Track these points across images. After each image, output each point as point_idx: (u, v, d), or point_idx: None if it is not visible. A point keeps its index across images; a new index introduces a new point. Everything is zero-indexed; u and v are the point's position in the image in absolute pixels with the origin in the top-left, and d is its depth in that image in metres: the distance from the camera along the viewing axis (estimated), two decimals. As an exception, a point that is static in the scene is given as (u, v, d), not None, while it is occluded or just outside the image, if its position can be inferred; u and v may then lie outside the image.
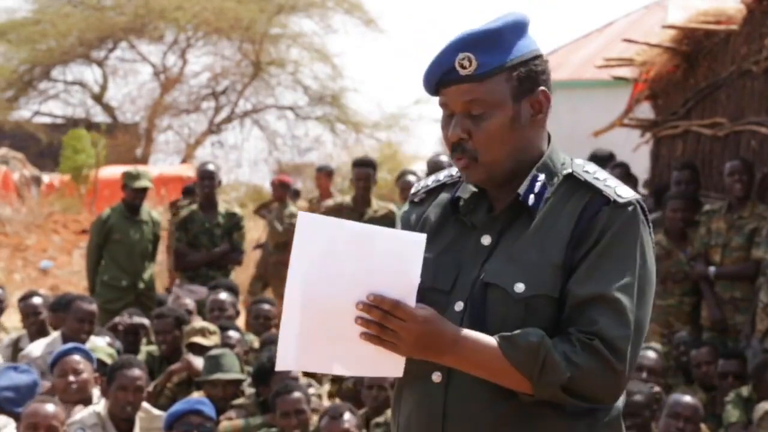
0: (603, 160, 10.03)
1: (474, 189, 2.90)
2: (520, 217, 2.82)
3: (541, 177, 2.83)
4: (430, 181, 3.03)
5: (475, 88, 2.80)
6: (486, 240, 2.84)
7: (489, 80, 2.80)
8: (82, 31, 30.67)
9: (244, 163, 34.56)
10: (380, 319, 2.64)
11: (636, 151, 11.57)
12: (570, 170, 2.85)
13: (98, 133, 25.76)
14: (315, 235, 2.65)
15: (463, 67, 2.79)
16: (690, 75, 10.37)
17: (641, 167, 11.63)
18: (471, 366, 2.72)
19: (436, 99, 2.88)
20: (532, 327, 2.73)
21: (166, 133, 33.12)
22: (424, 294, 2.74)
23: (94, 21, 30.83)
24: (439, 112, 2.91)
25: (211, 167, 10.54)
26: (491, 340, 2.71)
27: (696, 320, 8.48)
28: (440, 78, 2.82)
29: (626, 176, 9.61)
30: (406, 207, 3.04)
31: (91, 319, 7.92)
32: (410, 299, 2.65)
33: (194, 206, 10.47)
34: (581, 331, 2.70)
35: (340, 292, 2.64)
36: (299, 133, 32.56)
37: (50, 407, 5.83)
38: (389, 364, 2.70)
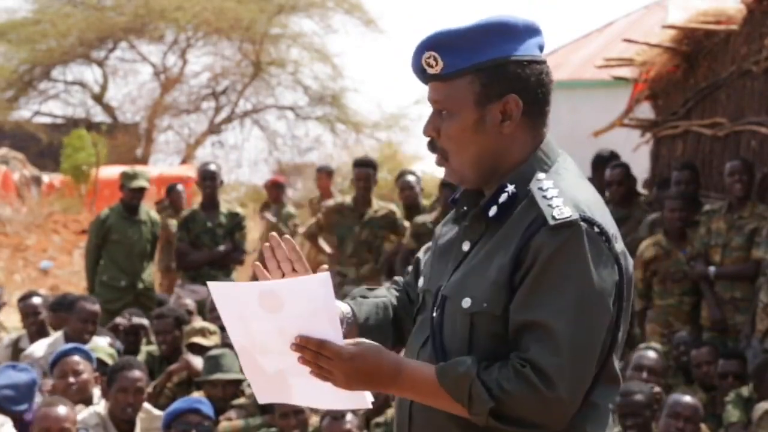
0: (605, 159, 10.02)
1: (465, 189, 2.93)
2: (492, 227, 2.82)
3: (510, 188, 2.78)
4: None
5: (439, 88, 2.81)
6: (465, 246, 2.86)
7: (452, 81, 2.79)
8: (82, 31, 30.67)
9: (244, 163, 34.64)
10: (312, 359, 2.68)
11: (636, 151, 11.56)
12: (534, 185, 2.79)
13: (99, 134, 25.77)
14: (230, 300, 2.72)
15: (429, 65, 2.80)
16: (690, 75, 10.37)
17: (641, 167, 11.62)
18: (416, 396, 2.76)
19: None
20: (477, 341, 2.74)
21: (166, 133, 33.13)
22: (423, 295, 2.82)
23: (94, 21, 30.83)
24: None
25: (212, 167, 10.55)
26: (430, 371, 2.72)
27: (696, 320, 8.48)
28: (417, 75, 2.85)
29: (626, 176, 9.60)
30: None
31: (94, 319, 7.93)
32: (336, 336, 2.68)
33: (195, 206, 10.49)
34: (517, 357, 2.68)
35: (276, 341, 2.70)
36: (299, 133, 32.58)
37: (61, 409, 5.82)
38: (356, 398, 2.76)
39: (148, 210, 10.54)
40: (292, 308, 2.66)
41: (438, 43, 2.79)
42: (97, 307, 8.02)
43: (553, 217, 2.70)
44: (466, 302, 2.76)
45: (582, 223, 2.70)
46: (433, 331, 2.81)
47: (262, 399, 2.83)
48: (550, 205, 2.72)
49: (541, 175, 2.80)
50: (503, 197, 2.78)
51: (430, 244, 3.05)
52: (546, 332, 2.65)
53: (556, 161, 2.85)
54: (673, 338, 8.24)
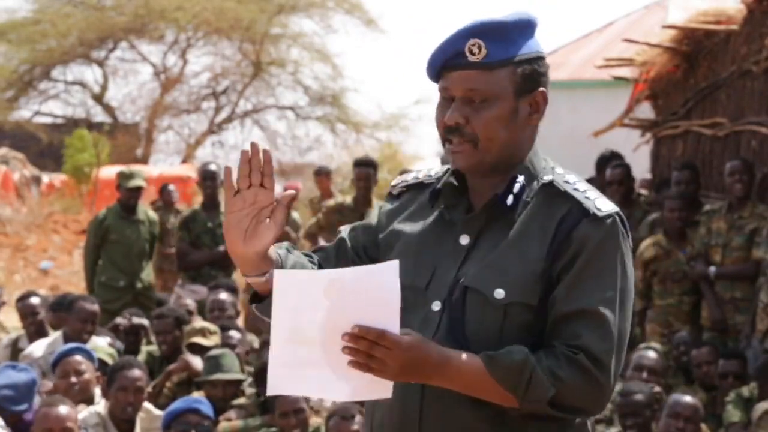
0: (608, 159, 10.04)
1: (455, 183, 2.91)
2: (499, 219, 2.84)
3: (521, 179, 2.85)
4: (410, 177, 3.04)
5: (480, 76, 2.82)
6: (464, 240, 2.86)
7: (495, 71, 2.82)
8: (83, 31, 30.67)
9: (244, 163, 34.53)
10: (367, 349, 2.65)
11: (636, 151, 11.56)
12: (550, 178, 2.86)
13: (99, 134, 25.76)
14: (292, 287, 2.69)
15: (472, 53, 2.82)
16: (690, 75, 10.36)
17: (641, 167, 11.62)
18: (459, 386, 2.74)
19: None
20: (508, 332, 2.76)
21: (166, 133, 33.14)
22: (401, 292, 2.77)
23: (95, 21, 30.82)
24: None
25: (213, 167, 10.57)
26: (476, 360, 2.72)
27: (696, 320, 8.47)
28: (447, 61, 2.84)
29: (627, 177, 9.60)
30: (384, 202, 3.06)
31: (93, 319, 7.92)
32: (394, 326, 2.67)
33: (196, 206, 10.50)
34: (565, 345, 2.73)
35: (325, 330, 2.68)
36: (299, 133, 32.59)
37: (63, 409, 5.81)
38: (379, 388, 2.73)
39: (146, 209, 10.54)
40: (359, 296, 2.66)
41: (484, 31, 2.83)
42: (96, 307, 8.02)
43: (598, 209, 2.79)
44: (499, 293, 2.77)
45: (617, 217, 2.82)
46: (451, 326, 2.80)
47: (274, 390, 2.76)
48: (587, 198, 2.81)
49: (559, 170, 2.89)
50: (516, 187, 2.84)
51: (356, 224, 3.05)
52: (597, 320, 2.73)
53: (547, 159, 2.94)
54: (673, 338, 8.24)
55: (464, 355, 2.72)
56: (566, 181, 2.85)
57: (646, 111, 11.53)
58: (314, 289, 2.67)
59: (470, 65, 2.82)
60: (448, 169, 2.96)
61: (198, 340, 7.98)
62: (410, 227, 2.93)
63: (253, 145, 2.71)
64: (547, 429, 2.78)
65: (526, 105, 2.85)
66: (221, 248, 10.22)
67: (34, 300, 8.63)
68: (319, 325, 2.68)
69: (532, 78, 2.85)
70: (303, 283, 2.68)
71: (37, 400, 6.71)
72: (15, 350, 8.36)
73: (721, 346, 7.91)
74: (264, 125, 32.75)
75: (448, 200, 2.91)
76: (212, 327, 8.14)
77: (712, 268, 8.27)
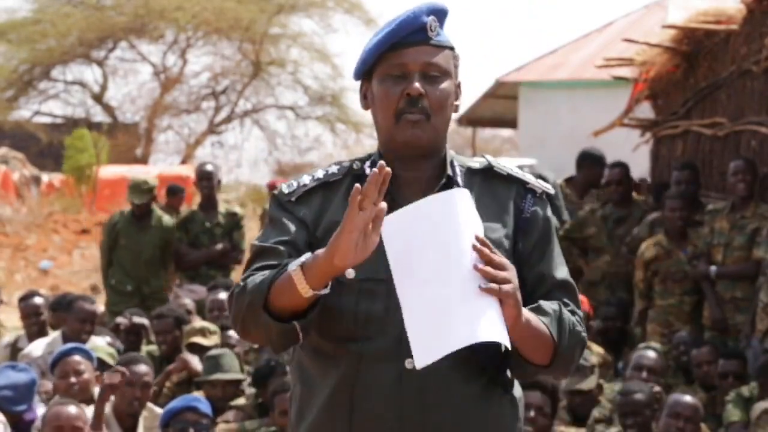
0: (588, 157, 10.12)
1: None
2: None
3: (456, 163, 3.00)
4: (308, 179, 3.00)
5: (437, 51, 2.93)
6: None
7: (443, 51, 2.95)
8: (82, 30, 30.68)
9: (244, 163, 34.65)
10: (489, 259, 2.74)
11: (636, 151, 11.56)
12: (485, 163, 3.01)
13: (99, 133, 25.77)
14: (399, 230, 2.77)
15: (431, 29, 2.93)
16: (690, 75, 10.36)
17: (641, 167, 11.62)
18: (530, 333, 2.85)
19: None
20: None
21: (166, 133, 33.17)
22: (360, 286, 2.83)
23: (94, 21, 30.84)
24: None
25: (209, 167, 10.55)
26: (529, 311, 2.88)
27: (697, 320, 8.47)
28: (408, 36, 2.91)
29: (626, 176, 9.60)
30: (274, 209, 2.99)
31: (92, 319, 7.92)
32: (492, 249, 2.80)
33: (194, 207, 10.49)
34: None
35: (441, 263, 2.75)
36: (299, 133, 32.64)
37: (72, 409, 5.82)
38: (495, 330, 2.73)
39: (160, 216, 10.47)
40: (449, 223, 2.75)
41: (437, 13, 2.94)
42: (95, 307, 8.01)
43: (545, 187, 3.02)
44: None
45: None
46: None
47: (424, 361, 2.73)
48: (530, 178, 3.02)
49: (487, 155, 3.08)
50: (458, 171, 2.98)
51: (277, 241, 2.95)
52: (572, 289, 3.00)
53: None
54: (673, 338, 8.23)
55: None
56: (504, 166, 3.02)
57: (645, 111, 11.53)
58: (415, 223, 2.76)
59: (429, 40, 2.92)
60: (351, 165, 2.99)
61: (198, 339, 7.98)
62: (336, 218, 2.89)
63: (382, 167, 2.71)
64: (507, 402, 2.95)
65: (456, 90, 2.99)
66: (218, 246, 10.22)
67: (38, 300, 8.62)
68: (435, 259, 2.74)
69: (457, 67, 3.00)
70: (405, 219, 2.76)
71: (36, 400, 6.71)
72: (15, 350, 8.36)
73: (721, 346, 7.91)
74: (264, 125, 32.79)
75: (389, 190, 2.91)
76: (212, 327, 8.14)
77: (713, 268, 8.27)
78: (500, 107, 22.02)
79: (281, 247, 2.92)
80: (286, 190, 2.99)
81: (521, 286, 2.81)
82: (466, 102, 22.19)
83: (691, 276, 8.48)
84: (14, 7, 40.48)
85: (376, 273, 2.85)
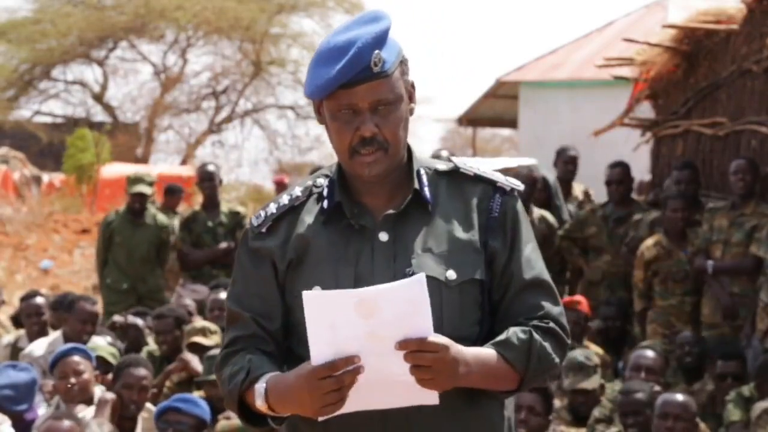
0: (561, 152, 10.40)
1: (341, 195, 2.94)
2: (413, 210, 2.93)
3: (423, 171, 2.98)
4: (274, 208, 3.00)
5: (384, 85, 2.88)
6: (384, 236, 2.91)
7: (392, 76, 2.90)
8: (83, 30, 30.68)
9: (244, 163, 34.63)
10: (412, 361, 2.72)
11: (636, 151, 11.56)
12: (451, 166, 2.99)
13: (100, 133, 25.78)
14: (324, 308, 2.74)
15: (375, 65, 2.86)
16: (690, 74, 10.36)
17: (641, 167, 11.62)
18: (484, 378, 2.85)
19: (345, 101, 2.89)
20: (466, 311, 2.90)
21: (166, 133, 33.17)
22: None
23: (95, 20, 30.83)
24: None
25: (210, 168, 10.58)
26: (488, 349, 2.87)
27: (697, 320, 8.48)
28: (353, 76, 2.85)
29: (626, 176, 9.61)
30: (243, 251, 3.01)
31: (93, 320, 7.92)
32: (429, 330, 2.74)
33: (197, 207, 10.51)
34: (533, 318, 2.92)
35: (365, 345, 2.74)
36: (300, 133, 32.61)
37: (66, 423, 5.80)
38: (425, 394, 2.79)
39: (155, 214, 10.50)
40: (389, 312, 2.72)
41: (379, 41, 2.87)
42: (96, 308, 8.02)
43: (509, 185, 2.99)
44: (451, 275, 2.89)
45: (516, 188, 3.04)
46: None
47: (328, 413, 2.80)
48: (498, 177, 3.00)
49: (454, 157, 3.06)
50: (425, 179, 2.97)
51: (245, 311, 2.97)
52: (546, 286, 2.97)
53: None
54: (677, 338, 8.20)
55: (476, 349, 2.85)
56: (469, 166, 3.00)
57: (646, 111, 11.52)
58: (345, 308, 2.72)
59: (376, 76, 2.86)
60: (313, 185, 2.99)
61: (198, 339, 7.98)
62: (314, 242, 2.94)
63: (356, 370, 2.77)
64: (496, 406, 2.95)
65: (408, 100, 2.96)
66: (222, 245, 10.23)
67: (39, 300, 8.62)
68: (359, 341, 2.73)
69: (406, 71, 2.95)
70: (334, 302, 2.73)
71: (38, 399, 6.72)
72: (15, 350, 8.36)
73: (720, 346, 7.92)
74: (264, 125, 32.78)
75: (351, 211, 2.93)
76: (213, 326, 8.14)
77: (710, 262, 8.29)
78: (500, 107, 22.02)
79: (250, 320, 2.96)
80: (255, 223, 3.01)
81: (494, 286, 2.92)
82: (466, 102, 22.15)
83: (690, 272, 8.48)
84: (14, 7, 40.54)
85: (341, 285, 2.88)
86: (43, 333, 8.33)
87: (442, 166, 3.00)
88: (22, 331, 8.72)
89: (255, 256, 2.98)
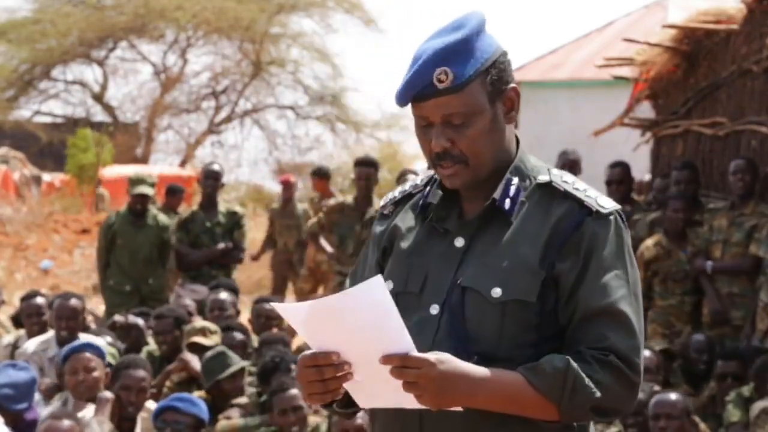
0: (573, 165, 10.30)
1: (441, 193, 2.90)
2: (495, 220, 2.84)
3: (515, 181, 2.84)
4: (397, 192, 3.01)
5: (453, 100, 2.79)
6: (459, 242, 2.85)
7: (466, 89, 2.79)
8: (83, 30, 30.70)
9: (244, 163, 34.67)
10: (398, 376, 2.66)
11: (636, 151, 11.56)
12: (547, 178, 2.85)
13: (101, 133, 25.80)
14: (299, 319, 2.72)
15: (440, 81, 2.78)
16: (690, 74, 10.36)
17: (641, 167, 11.62)
18: (501, 401, 2.71)
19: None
20: (508, 331, 2.76)
21: (166, 133, 33.20)
22: (395, 298, 2.73)
23: (95, 20, 30.86)
24: None
25: (216, 167, 10.61)
26: (513, 373, 2.72)
27: (697, 319, 8.48)
28: (417, 94, 2.80)
29: (627, 176, 9.61)
30: (374, 224, 3.04)
31: (72, 315, 7.73)
32: (406, 339, 2.67)
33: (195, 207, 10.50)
34: (593, 348, 2.73)
35: (346, 353, 2.71)
36: (299, 133, 32.64)
37: (65, 423, 5.80)
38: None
39: (156, 214, 10.47)
40: (358, 317, 2.67)
41: (447, 57, 2.78)
42: (76, 303, 7.79)
43: (601, 207, 2.80)
44: (496, 292, 2.77)
45: (618, 213, 2.83)
46: (451, 328, 2.79)
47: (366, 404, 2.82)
48: (588, 196, 2.81)
49: (555, 170, 2.88)
50: (512, 190, 2.84)
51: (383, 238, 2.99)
52: (619, 318, 2.74)
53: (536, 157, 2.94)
54: (690, 343, 8.12)
55: (500, 371, 2.71)
56: (565, 181, 2.84)
57: (646, 111, 11.52)
58: (318, 316, 2.70)
59: (442, 92, 2.78)
60: (433, 176, 2.95)
61: (198, 339, 7.97)
62: (402, 236, 2.93)
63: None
64: (551, 428, 2.77)
65: (502, 106, 2.85)
66: (220, 246, 10.23)
67: (39, 300, 8.60)
68: (345, 345, 2.71)
69: (500, 79, 2.83)
70: (304, 314, 2.71)
71: (37, 398, 6.71)
72: (15, 351, 8.36)
73: (720, 346, 7.91)
74: (264, 125, 32.80)
75: (439, 213, 2.90)
76: (212, 327, 8.14)
77: (709, 263, 8.29)
78: (500, 107, 22.01)
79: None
80: (382, 202, 3.03)
81: (559, 310, 2.76)
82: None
83: (690, 272, 8.48)
84: (14, 7, 40.50)
85: (407, 286, 2.86)
86: (43, 333, 8.32)
87: (543, 177, 2.86)
88: (22, 332, 8.70)
89: (372, 240, 3.00)
